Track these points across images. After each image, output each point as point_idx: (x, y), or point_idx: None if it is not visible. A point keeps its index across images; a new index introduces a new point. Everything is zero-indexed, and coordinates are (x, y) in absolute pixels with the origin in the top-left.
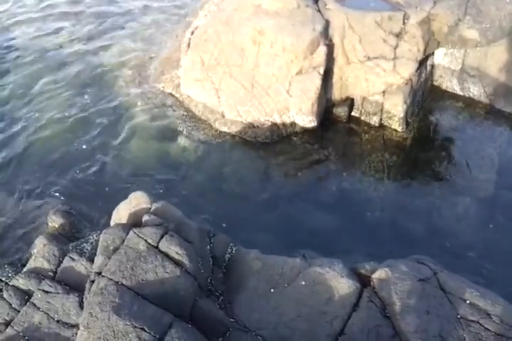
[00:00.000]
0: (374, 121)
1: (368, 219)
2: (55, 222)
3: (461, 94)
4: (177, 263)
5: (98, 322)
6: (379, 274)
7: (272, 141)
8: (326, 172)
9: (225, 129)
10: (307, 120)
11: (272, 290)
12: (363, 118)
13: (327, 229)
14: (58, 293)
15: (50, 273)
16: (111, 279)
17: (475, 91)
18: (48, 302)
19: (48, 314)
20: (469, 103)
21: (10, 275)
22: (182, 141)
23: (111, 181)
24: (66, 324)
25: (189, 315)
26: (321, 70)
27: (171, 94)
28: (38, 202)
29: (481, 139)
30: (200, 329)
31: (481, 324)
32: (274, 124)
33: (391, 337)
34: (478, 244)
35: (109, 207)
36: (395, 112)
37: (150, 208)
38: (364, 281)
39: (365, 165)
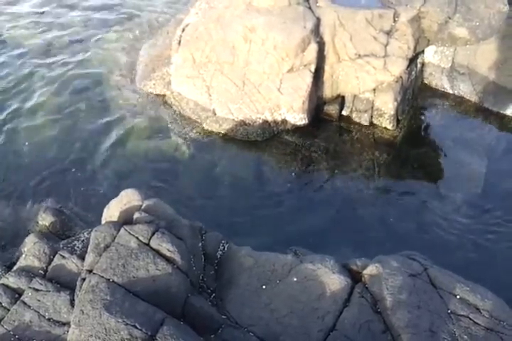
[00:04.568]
0: (365, 118)
1: (359, 216)
2: (45, 220)
3: (451, 91)
4: (169, 260)
5: (89, 320)
6: (370, 270)
7: (263, 139)
8: (316, 169)
9: (216, 127)
10: (298, 118)
11: (264, 287)
12: (353, 115)
13: (318, 225)
14: (49, 291)
15: (40, 271)
16: (102, 277)
17: (465, 89)
18: (39, 300)
19: (38, 312)
20: (459, 101)
21: (0, 273)
22: (173, 139)
23: (101, 179)
24: (57, 322)
25: (181, 312)
26: (312, 68)
27: (161, 92)
28: (29, 200)
29: (470, 137)
30: (192, 326)
31: (470, 318)
32: (266, 122)
33: (382, 332)
34: (468, 240)
35: (100, 204)
36: (385, 110)
37: (141, 205)
38: (355, 277)
39: (356, 163)
